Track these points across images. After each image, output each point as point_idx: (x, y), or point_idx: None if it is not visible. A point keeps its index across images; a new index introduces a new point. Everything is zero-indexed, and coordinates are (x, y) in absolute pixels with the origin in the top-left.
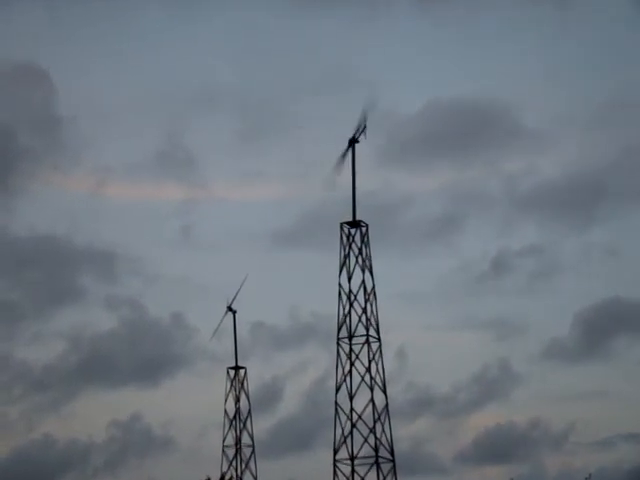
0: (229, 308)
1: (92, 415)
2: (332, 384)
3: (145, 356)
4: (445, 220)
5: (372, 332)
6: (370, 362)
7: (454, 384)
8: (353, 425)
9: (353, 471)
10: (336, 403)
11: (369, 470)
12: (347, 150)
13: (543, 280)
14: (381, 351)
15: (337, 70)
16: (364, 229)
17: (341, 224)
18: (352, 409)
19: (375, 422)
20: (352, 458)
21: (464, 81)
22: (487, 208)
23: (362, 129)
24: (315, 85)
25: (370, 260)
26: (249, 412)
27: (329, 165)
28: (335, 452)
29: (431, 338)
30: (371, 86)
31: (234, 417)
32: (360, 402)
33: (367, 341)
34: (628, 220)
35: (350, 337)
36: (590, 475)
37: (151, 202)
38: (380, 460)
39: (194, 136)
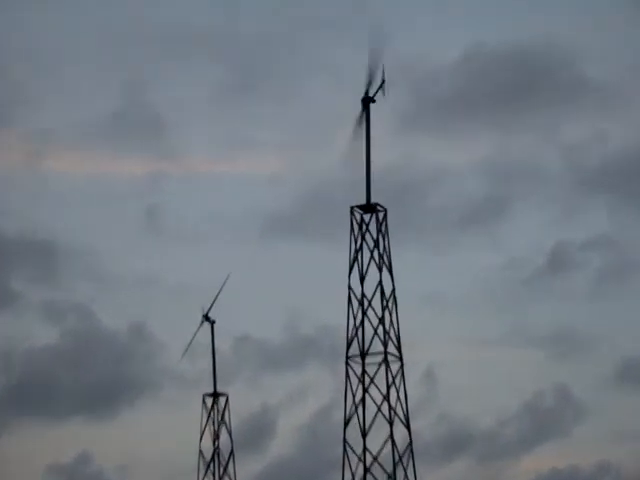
0: (206, 317)
1: (26, 456)
2: (340, 416)
3: (96, 380)
4: (486, 203)
5: (391, 348)
6: (389, 387)
7: (498, 417)
8: (367, 469)
9: None
10: (345, 440)
11: None
12: (363, 112)
13: (615, 281)
14: (403, 373)
15: (348, 5)
16: (381, 215)
17: (352, 208)
18: (365, 448)
19: (395, 465)
20: None
21: (513, 23)
22: (542, 187)
23: (379, 85)
24: (320, 26)
25: (389, 255)
26: (231, 452)
27: (338, 131)
28: None
29: (468, 356)
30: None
31: (212, 458)
32: (376, 439)
33: (385, 360)
34: None
35: (363, 355)
36: None
37: (105, 178)
38: None
39: (162, 91)
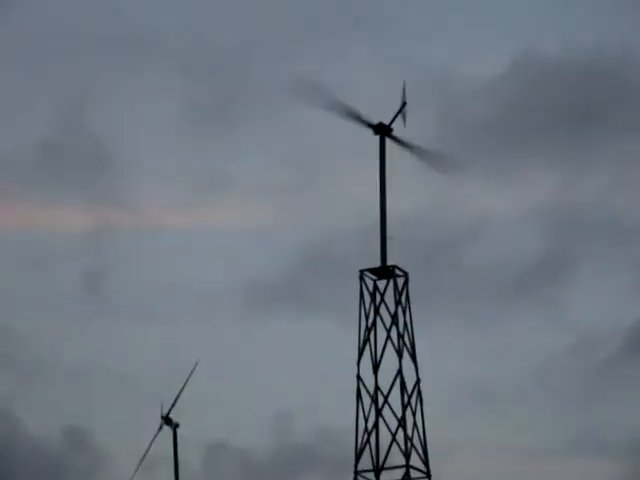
0: (166, 419)
1: None
2: None
3: None
4: (544, 263)
5: (416, 461)
6: None
7: None
8: None
9: None
10: None
11: None
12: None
13: None
14: None
15: (352, 7)
16: (401, 281)
17: (362, 272)
18: None
19: None
20: None
21: (579, 23)
22: (618, 243)
23: (399, 109)
24: (317, 32)
25: (412, 335)
26: None
27: (343, 168)
28: None
29: (521, 471)
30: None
31: None
32: None
33: (407, 476)
34: None
35: (378, 469)
36: None
37: (29, 233)
38: None
39: (108, 115)
